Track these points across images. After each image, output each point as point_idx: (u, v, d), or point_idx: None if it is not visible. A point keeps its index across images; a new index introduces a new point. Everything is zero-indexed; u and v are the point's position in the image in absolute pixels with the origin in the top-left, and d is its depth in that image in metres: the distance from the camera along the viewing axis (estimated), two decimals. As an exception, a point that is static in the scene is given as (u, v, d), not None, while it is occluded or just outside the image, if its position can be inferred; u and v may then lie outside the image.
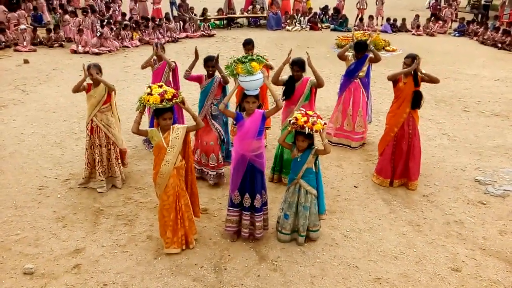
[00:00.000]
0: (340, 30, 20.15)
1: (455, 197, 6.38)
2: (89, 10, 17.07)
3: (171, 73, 7.34)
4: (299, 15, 21.25)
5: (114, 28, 16.22)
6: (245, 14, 21.82)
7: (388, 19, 20.77)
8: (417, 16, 20.78)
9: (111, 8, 19.62)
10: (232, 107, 6.11)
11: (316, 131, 4.67)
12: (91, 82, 6.15)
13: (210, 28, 19.29)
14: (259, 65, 4.85)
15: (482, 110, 10.10)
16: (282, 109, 5.99)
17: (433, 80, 6.18)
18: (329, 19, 21.74)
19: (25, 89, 10.97)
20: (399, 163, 6.47)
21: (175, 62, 7.44)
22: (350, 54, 7.62)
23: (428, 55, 14.58)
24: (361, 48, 7.40)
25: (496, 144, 8.21)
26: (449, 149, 7.97)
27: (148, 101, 4.59)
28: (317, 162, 5.04)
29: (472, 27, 19.73)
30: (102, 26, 16.26)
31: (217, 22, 20.90)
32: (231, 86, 5.68)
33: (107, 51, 15.23)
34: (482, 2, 23.69)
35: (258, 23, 21.86)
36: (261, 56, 5.02)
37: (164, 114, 4.69)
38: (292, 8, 22.46)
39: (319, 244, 5.26)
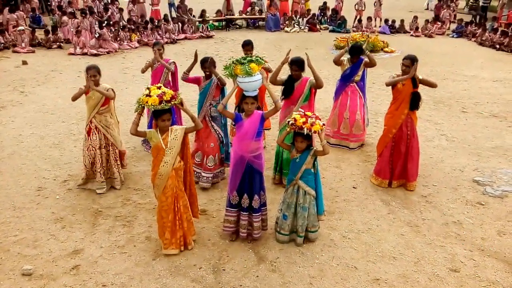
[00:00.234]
0: (339, 31, 20.17)
1: (453, 198, 6.38)
2: (87, 12, 17.06)
3: (170, 73, 7.38)
4: (298, 16, 21.29)
5: (113, 30, 16.22)
6: (244, 16, 21.84)
7: (386, 20, 20.81)
8: (416, 17, 20.82)
9: (110, 10, 19.61)
10: (232, 108, 6.12)
11: (315, 132, 4.67)
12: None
13: (209, 29, 19.32)
14: (258, 66, 4.85)
15: (480, 111, 10.11)
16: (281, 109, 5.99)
17: (431, 85, 6.19)
18: (328, 20, 21.77)
19: (24, 90, 10.97)
20: (397, 164, 6.47)
21: (175, 63, 7.45)
22: (345, 58, 7.62)
23: (426, 56, 14.61)
24: (356, 51, 7.41)
25: (495, 145, 8.22)
26: (448, 150, 7.98)
27: (147, 102, 4.59)
28: (315, 163, 5.04)
29: (470, 28, 19.77)
30: (100, 28, 16.25)
31: (216, 24, 20.94)
32: (230, 87, 5.68)
33: (105, 53, 15.23)
34: (480, 4, 23.72)
35: (257, 24, 21.89)
36: (260, 57, 5.02)
37: (163, 115, 4.69)
38: (290, 9, 22.49)
39: (318, 244, 5.26)
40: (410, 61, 6.06)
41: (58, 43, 15.88)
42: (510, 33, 17.34)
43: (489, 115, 9.87)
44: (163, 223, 4.92)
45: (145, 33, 17.25)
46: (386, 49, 16.33)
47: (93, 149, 6.25)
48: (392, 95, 6.42)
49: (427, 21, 20.49)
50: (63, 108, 9.67)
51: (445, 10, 22.41)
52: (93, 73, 5.99)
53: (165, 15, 19.31)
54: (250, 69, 4.73)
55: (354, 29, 20.26)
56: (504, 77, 13.21)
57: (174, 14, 20.98)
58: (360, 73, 7.56)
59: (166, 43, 16.73)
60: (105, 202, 6.12)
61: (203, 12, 20.03)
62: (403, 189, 6.57)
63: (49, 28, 16.46)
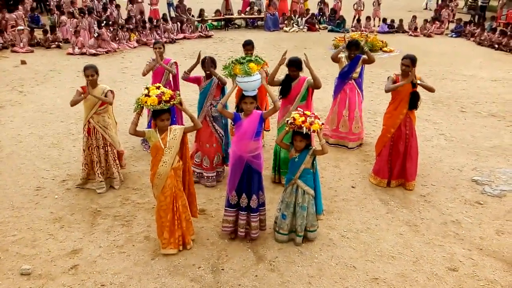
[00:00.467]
0: (338, 31, 20.17)
1: (452, 197, 6.39)
2: (85, 11, 17.04)
3: (171, 74, 7.37)
4: (297, 16, 21.29)
5: (111, 29, 16.22)
6: (243, 15, 21.84)
7: (384, 20, 20.82)
8: (414, 17, 20.83)
9: (108, 9, 19.60)
10: (232, 107, 6.12)
11: (314, 131, 4.68)
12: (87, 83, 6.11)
13: (208, 29, 19.31)
14: (257, 66, 4.85)
15: (479, 111, 10.12)
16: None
17: (428, 89, 6.20)
18: (326, 20, 21.77)
19: (22, 90, 10.96)
20: (396, 164, 6.48)
21: (176, 63, 7.45)
22: (343, 56, 7.63)
23: (425, 56, 14.62)
24: (352, 45, 7.42)
25: (493, 145, 8.23)
26: (446, 150, 7.99)
27: (146, 102, 4.59)
28: (314, 162, 5.05)
29: (469, 28, 19.79)
30: (99, 28, 16.25)
31: (215, 23, 20.93)
32: (230, 86, 5.69)
33: (104, 52, 15.22)
34: (479, 3, 23.74)
35: (256, 24, 21.88)
36: (259, 57, 5.03)
37: (162, 115, 4.69)
38: (289, 9, 22.49)
39: (317, 244, 5.26)
40: (410, 61, 6.06)
41: (56, 43, 15.86)
42: (509, 33, 17.36)
43: (488, 115, 9.88)
44: (162, 222, 4.92)
45: (144, 32, 17.24)
46: (385, 48, 16.35)
47: (93, 149, 6.25)
48: (391, 95, 6.42)
49: (426, 20, 20.50)
50: (62, 108, 9.66)
51: (444, 9, 22.43)
52: (90, 72, 5.98)
53: (164, 15, 19.30)
54: (249, 69, 4.74)
55: (353, 28, 20.26)
56: (503, 76, 13.22)
57: (173, 14, 20.97)
58: (358, 70, 7.57)
59: (165, 42, 16.71)
60: (103, 201, 6.12)
61: (201, 12, 20.02)
62: (402, 188, 6.57)
63: (48, 28, 16.43)
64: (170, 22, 18.54)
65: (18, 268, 4.75)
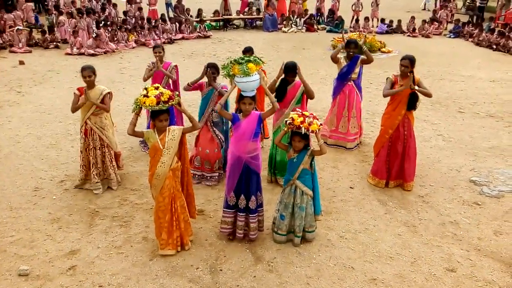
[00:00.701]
0: (336, 31, 20.17)
1: (450, 198, 6.40)
2: (84, 11, 17.03)
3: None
4: (295, 16, 21.29)
5: (110, 30, 16.20)
6: (241, 16, 21.84)
7: (383, 20, 20.84)
8: (413, 17, 20.85)
9: (107, 10, 19.58)
10: (233, 108, 6.12)
11: (313, 131, 4.68)
12: (84, 85, 6.10)
13: (206, 29, 19.30)
14: (256, 66, 4.85)
15: (477, 111, 10.14)
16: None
17: (426, 95, 6.21)
18: (325, 21, 21.79)
19: (21, 90, 10.95)
20: (394, 164, 6.49)
21: (176, 67, 7.45)
22: (341, 56, 7.64)
23: (423, 57, 14.63)
24: (351, 43, 7.45)
25: (491, 145, 8.24)
26: (445, 150, 8.00)
27: (144, 103, 4.59)
28: (312, 163, 5.05)
29: (467, 29, 19.81)
30: (98, 28, 16.25)
31: (213, 24, 20.92)
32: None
33: (102, 53, 15.21)
34: (477, 4, 23.78)
35: (254, 24, 21.88)
36: (258, 58, 5.02)
37: (160, 116, 4.69)
38: (288, 9, 22.49)
39: (315, 245, 5.26)
40: (409, 61, 6.07)
41: (55, 43, 15.84)
42: (507, 34, 17.39)
43: (486, 115, 9.89)
44: (160, 223, 4.91)
45: (142, 33, 17.22)
46: (383, 49, 16.36)
47: (89, 150, 6.24)
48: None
49: (424, 21, 20.52)
50: (60, 108, 9.65)
51: (442, 10, 22.47)
52: (88, 73, 5.97)
53: (162, 15, 19.30)
54: (248, 69, 4.73)
55: (352, 29, 20.28)
56: (501, 77, 13.24)
57: (171, 14, 20.97)
58: (357, 70, 7.58)
59: (164, 43, 16.68)
60: (102, 202, 6.11)
61: (199, 11, 20.02)
62: (400, 189, 6.58)
63: (46, 28, 16.41)
64: (168, 22, 18.55)
65: (16, 269, 4.74)
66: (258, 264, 4.93)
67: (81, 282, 4.59)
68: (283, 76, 6.24)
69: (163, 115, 4.70)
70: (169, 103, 4.64)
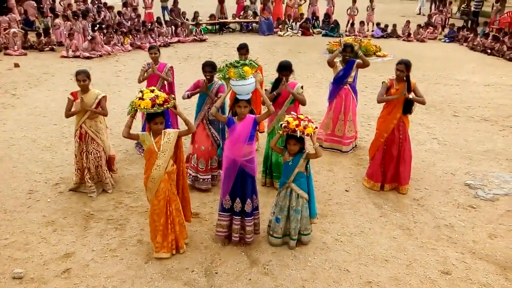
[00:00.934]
0: (332, 35, 20.24)
1: (445, 201, 6.42)
2: (79, 14, 17.00)
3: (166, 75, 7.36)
4: (291, 20, 21.33)
5: (105, 32, 16.18)
6: (237, 19, 21.87)
7: (378, 24, 20.92)
8: (408, 22, 20.93)
9: (103, 13, 19.56)
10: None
11: (308, 134, 4.69)
12: (78, 89, 6.08)
13: (202, 33, 19.31)
14: (251, 69, 4.85)
15: (472, 115, 10.18)
16: None
17: (420, 103, 6.25)
18: (320, 25, 21.84)
19: (16, 93, 10.91)
20: (389, 168, 6.50)
21: (172, 68, 7.44)
22: (337, 60, 7.66)
23: (418, 61, 14.68)
24: (347, 47, 7.49)
25: (486, 149, 8.28)
26: (440, 154, 8.03)
27: (139, 105, 4.58)
28: (308, 166, 5.05)
29: (462, 33, 19.92)
30: (93, 31, 16.23)
31: (209, 27, 20.92)
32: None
33: (98, 55, 15.19)
34: (472, 9, 23.92)
35: (250, 28, 21.92)
36: (253, 61, 5.03)
37: (156, 118, 4.68)
38: (283, 13, 22.55)
39: (310, 248, 5.26)
40: (404, 66, 6.08)
41: (50, 46, 15.80)
42: (501, 38, 17.49)
43: (481, 119, 9.94)
44: (155, 226, 4.90)
45: (138, 36, 17.21)
46: (378, 53, 16.41)
47: (83, 154, 6.22)
48: (384, 99, 6.45)
49: (419, 25, 20.61)
50: (55, 110, 9.62)
51: (437, 15, 22.58)
52: (82, 77, 5.95)
53: (158, 18, 19.30)
54: (244, 72, 4.73)
55: (347, 33, 20.34)
56: (495, 81, 13.32)
57: (167, 17, 20.96)
58: (352, 74, 7.60)
59: (160, 46, 16.65)
60: (96, 205, 6.09)
61: (195, 14, 20.02)
62: (395, 192, 6.59)
63: (41, 31, 16.37)
64: (164, 25, 18.53)
65: (10, 272, 4.72)
66: (253, 267, 4.92)
67: (76, 285, 4.58)
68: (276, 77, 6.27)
69: (158, 118, 4.69)
70: (164, 106, 4.63)
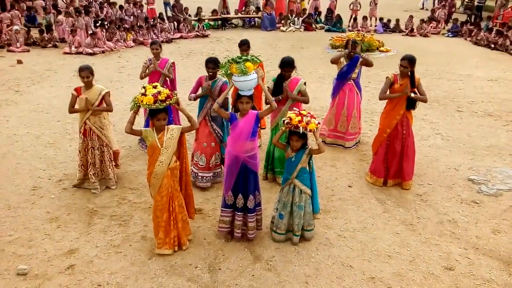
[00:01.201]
0: (334, 30, 20.20)
1: (448, 197, 6.41)
2: (81, 10, 17.00)
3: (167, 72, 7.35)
4: (293, 15, 21.29)
5: (107, 28, 16.18)
6: (240, 15, 21.83)
7: (381, 19, 20.86)
8: (411, 16, 20.87)
9: (105, 9, 19.55)
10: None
11: (310, 130, 4.68)
12: (82, 85, 6.09)
13: (205, 28, 19.29)
14: (254, 65, 4.84)
15: (475, 110, 10.15)
16: None
17: (422, 101, 6.24)
18: (323, 20, 21.80)
19: (19, 90, 10.93)
20: (392, 163, 6.49)
21: (173, 64, 7.42)
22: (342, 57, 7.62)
23: (422, 56, 14.60)
24: (352, 43, 7.47)
25: (489, 144, 8.26)
26: (443, 149, 8.01)
27: (142, 101, 4.59)
28: (311, 161, 5.05)
29: (465, 28, 19.84)
30: (95, 27, 16.23)
31: (212, 23, 20.91)
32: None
33: (101, 52, 15.19)
34: (476, 3, 23.81)
35: (253, 23, 21.88)
36: (255, 57, 5.02)
37: (158, 114, 4.68)
38: (286, 8, 22.50)
39: (314, 243, 5.27)
40: (408, 62, 6.06)
41: (53, 42, 15.81)
42: (505, 33, 17.42)
43: (484, 114, 9.91)
44: (158, 222, 4.91)
45: (140, 32, 17.22)
46: (381, 48, 16.37)
47: (88, 150, 6.23)
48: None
49: (422, 20, 20.54)
50: (58, 107, 9.64)
51: (441, 9, 22.50)
52: (86, 74, 5.94)
53: (161, 14, 19.29)
54: (246, 68, 4.72)
55: (350, 28, 20.29)
56: (499, 76, 13.27)
57: (169, 13, 20.95)
58: (357, 70, 7.57)
59: (162, 42, 16.68)
60: (100, 201, 6.10)
61: (199, 10, 19.99)
62: (398, 187, 6.59)
63: (43, 27, 16.38)
64: (166, 21, 18.53)
65: (14, 268, 4.73)
66: (256, 263, 4.93)
67: (80, 281, 4.59)
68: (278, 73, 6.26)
69: (161, 114, 4.69)
70: (167, 102, 4.63)
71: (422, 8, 28.06)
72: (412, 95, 6.10)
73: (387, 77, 6.36)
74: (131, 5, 19.85)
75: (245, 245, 5.21)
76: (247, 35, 18.85)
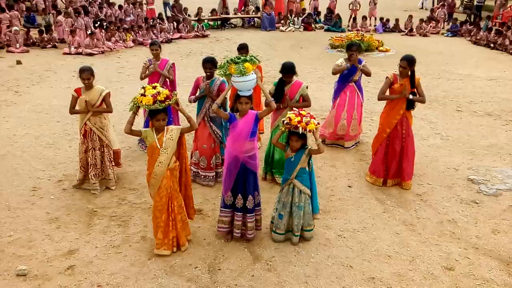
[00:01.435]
0: (334, 30, 20.20)
1: (448, 196, 6.41)
2: (81, 11, 16.99)
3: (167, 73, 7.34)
4: (293, 15, 21.29)
5: (106, 28, 16.18)
6: (239, 15, 21.83)
7: (381, 19, 20.87)
8: (410, 16, 20.88)
9: (104, 9, 19.55)
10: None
11: (310, 131, 4.68)
12: (82, 85, 6.09)
13: (204, 28, 19.29)
14: (252, 65, 4.84)
15: (474, 110, 10.16)
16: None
17: (419, 102, 6.25)
18: (322, 20, 21.81)
19: (18, 90, 10.92)
20: (392, 163, 6.49)
21: (173, 65, 7.41)
22: (342, 59, 7.58)
23: (421, 56, 14.62)
24: (352, 45, 7.47)
25: (489, 144, 8.26)
26: (442, 149, 8.01)
27: (141, 102, 4.58)
28: (310, 162, 5.05)
29: (465, 28, 19.84)
30: (95, 27, 16.23)
31: (211, 23, 20.92)
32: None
33: (100, 52, 15.19)
34: (475, 3, 23.82)
35: (252, 23, 21.88)
36: (254, 57, 5.01)
37: (158, 115, 4.68)
38: (286, 8, 22.50)
39: (313, 243, 5.27)
40: (407, 62, 6.06)
41: (52, 43, 15.80)
42: (504, 32, 17.42)
43: (484, 114, 9.91)
44: (157, 223, 4.91)
45: (140, 32, 17.21)
46: (381, 48, 16.36)
47: (88, 151, 6.23)
48: (388, 93, 6.41)
49: (421, 20, 20.55)
50: (57, 108, 9.64)
51: (440, 9, 22.51)
52: (86, 76, 5.94)
53: (160, 14, 19.29)
54: (244, 69, 4.72)
55: (349, 28, 20.30)
56: (498, 75, 13.27)
57: (169, 13, 20.95)
58: (358, 72, 7.55)
59: (161, 42, 16.67)
60: (100, 202, 6.10)
61: (199, 10, 19.99)
62: (398, 187, 6.59)
63: (43, 28, 16.38)
64: (166, 21, 18.53)
65: (14, 269, 4.73)
66: (256, 263, 4.93)
67: (80, 282, 4.59)
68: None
69: (161, 114, 4.69)
70: (166, 103, 4.62)
71: (422, 8, 28.08)
72: (411, 96, 6.10)
73: (386, 77, 6.36)
74: (131, 5, 19.85)
75: (245, 245, 5.21)
76: (247, 35, 18.89)
